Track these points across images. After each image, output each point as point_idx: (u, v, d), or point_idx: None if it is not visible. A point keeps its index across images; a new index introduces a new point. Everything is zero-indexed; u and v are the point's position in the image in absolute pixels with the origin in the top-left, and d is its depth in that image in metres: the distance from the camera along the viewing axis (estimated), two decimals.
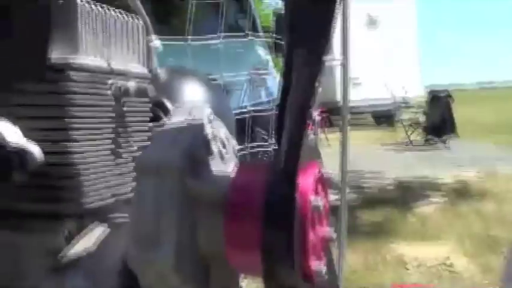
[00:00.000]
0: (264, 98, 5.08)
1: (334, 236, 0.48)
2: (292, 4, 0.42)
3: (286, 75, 0.44)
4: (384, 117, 12.47)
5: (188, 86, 0.71)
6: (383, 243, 4.10)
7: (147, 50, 0.57)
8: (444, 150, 8.84)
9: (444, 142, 9.00)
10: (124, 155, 0.53)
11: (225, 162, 0.51)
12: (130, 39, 0.53)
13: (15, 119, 0.46)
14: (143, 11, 0.56)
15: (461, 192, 5.52)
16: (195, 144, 0.45)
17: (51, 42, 0.45)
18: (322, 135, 8.08)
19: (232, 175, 0.47)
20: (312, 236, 0.45)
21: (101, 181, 0.50)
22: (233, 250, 0.45)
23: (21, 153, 0.44)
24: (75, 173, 0.48)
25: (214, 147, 0.49)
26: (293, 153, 0.43)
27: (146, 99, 0.54)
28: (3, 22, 0.46)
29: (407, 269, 3.54)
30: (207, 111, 0.48)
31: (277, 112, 0.46)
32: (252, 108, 2.68)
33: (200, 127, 0.46)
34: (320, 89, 0.44)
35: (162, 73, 0.76)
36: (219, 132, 0.50)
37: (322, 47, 0.42)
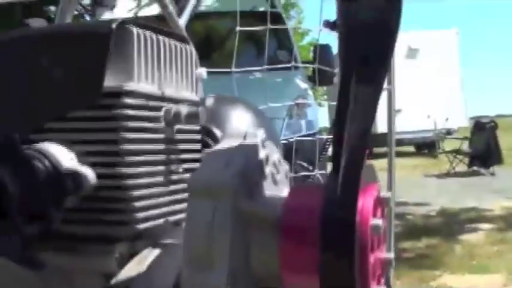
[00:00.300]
0: (304, 131, 5.07)
1: (393, 262, 0.47)
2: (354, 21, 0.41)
3: (343, 97, 0.43)
4: (425, 147, 12.30)
5: (236, 113, 0.71)
6: (429, 274, 4.00)
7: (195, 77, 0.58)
8: (489, 178, 8.60)
9: (489, 170, 8.78)
10: (175, 179, 0.53)
11: (277, 185, 0.51)
12: (182, 65, 0.54)
13: (70, 144, 0.47)
14: (189, 39, 0.57)
15: (508, 221, 5.35)
16: (248, 166, 0.45)
17: (107, 69, 0.46)
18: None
19: (286, 197, 0.46)
20: (371, 260, 0.44)
21: (152, 204, 0.50)
22: (289, 273, 0.44)
23: (75, 177, 0.45)
24: (127, 196, 0.48)
25: (268, 170, 0.49)
26: (354, 175, 0.42)
27: (197, 125, 0.54)
28: (61, 49, 0.47)
29: None
30: (261, 135, 0.47)
31: (332, 135, 0.45)
32: (294, 139, 2.68)
33: (254, 149, 0.46)
34: None
35: (209, 101, 0.76)
36: (272, 156, 0.50)
37: (385, 64, 0.42)
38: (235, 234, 0.43)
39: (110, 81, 0.47)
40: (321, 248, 0.42)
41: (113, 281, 0.49)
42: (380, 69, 0.42)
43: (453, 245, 4.75)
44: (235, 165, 0.44)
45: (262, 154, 0.48)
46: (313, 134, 4.94)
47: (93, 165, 0.47)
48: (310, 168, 4.46)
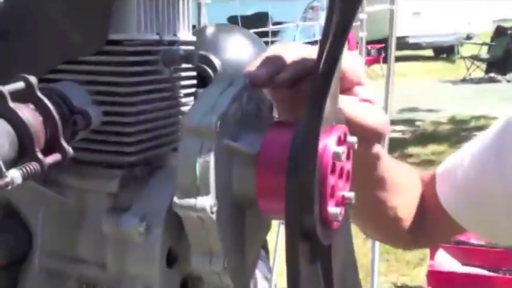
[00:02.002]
0: (318, 36, 5.03)
1: (353, 201, 0.55)
2: None
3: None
4: (444, 51, 12.08)
5: (234, 42, 0.77)
6: None
7: (197, 7, 0.64)
8: (505, 85, 8.50)
9: (506, 77, 8.68)
10: (173, 112, 0.61)
11: (260, 122, 0.58)
12: (178, 8, 0.60)
13: (80, 85, 0.55)
14: None
15: None
16: (232, 109, 0.53)
17: (111, 19, 0.52)
18: (377, 67, 7.98)
19: (265, 133, 0.54)
20: (331, 181, 0.52)
21: (151, 136, 0.58)
22: (263, 199, 0.53)
23: (85, 115, 0.53)
24: (129, 130, 0.56)
25: (250, 109, 0.56)
26: (318, 106, 0.48)
27: (192, 64, 0.61)
28: (73, 2, 0.54)
29: None
30: (246, 79, 0.55)
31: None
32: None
33: (239, 93, 0.53)
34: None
35: (208, 30, 0.82)
36: (258, 96, 0.57)
37: None
38: (218, 168, 0.52)
39: (113, 31, 0.54)
40: (286, 174, 0.50)
41: (117, 201, 0.58)
42: None
43: None
44: (220, 108, 0.52)
45: (245, 97, 0.55)
46: None
47: (100, 103, 0.55)
48: None
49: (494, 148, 0.88)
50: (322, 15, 5.29)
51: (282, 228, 2.22)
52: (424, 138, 5.50)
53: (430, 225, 0.93)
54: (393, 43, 2.17)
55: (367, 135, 0.63)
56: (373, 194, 0.78)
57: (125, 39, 0.54)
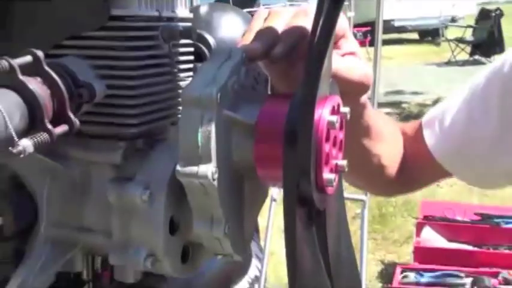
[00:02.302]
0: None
1: (346, 169, 0.58)
2: None
3: None
4: (429, 34, 12.13)
5: (227, 21, 0.79)
6: None
7: None
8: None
9: (490, 59, 8.76)
10: (171, 88, 0.63)
11: (256, 94, 0.61)
12: None
13: (84, 59, 0.57)
14: None
15: None
16: (231, 81, 0.55)
17: None
18: (363, 51, 8.03)
19: (263, 105, 0.57)
20: (326, 148, 0.55)
21: (152, 109, 0.61)
22: (261, 167, 0.56)
23: (90, 88, 0.55)
24: (131, 103, 0.58)
25: (247, 82, 0.59)
26: (314, 77, 0.51)
27: (190, 40, 0.63)
28: None
29: (439, 186, 3.66)
30: (242, 53, 0.57)
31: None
32: None
33: (236, 66, 0.56)
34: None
35: (203, 9, 0.84)
36: (254, 70, 0.60)
37: None
38: (219, 136, 0.54)
39: (116, 6, 0.56)
40: (283, 142, 0.53)
41: (121, 171, 0.60)
42: None
43: None
44: (219, 80, 0.54)
45: (243, 70, 0.58)
46: None
47: (103, 77, 0.57)
48: None
49: (481, 94, 0.92)
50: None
51: (273, 208, 2.26)
52: (410, 120, 5.56)
53: (415, 172, 0.97)
54: (380, 26, 2.20)
55: (353, 88, 0.66)
56: (358, 142, 0.81)
57: (127, 15, 0.56)
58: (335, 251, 0.62)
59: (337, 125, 0.56)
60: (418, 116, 5.69)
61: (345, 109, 0.59)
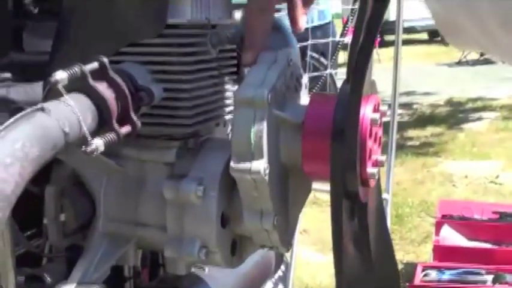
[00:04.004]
0: (316, 21, 5.06)
1: (384, 162, 0.62)
2: None
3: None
4: (439, 34, 12.10)
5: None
6: (432, 160, 4.22)
7: None
8: (500, 66, 8.53)
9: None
10: (218, 91, 0.68)
11: (300, 95, 0.65)
12: None
13: (142, 65, 0.61)
14: None
15: None
16: (278, 82, 0.59)
17: (168, 6, 0.59)
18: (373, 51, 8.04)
19: (308, 104, 0.61)
20: (369, 144, 0.59)
21: (203, 110, 0.65)
22: (308, 161, 0.60)
23: (149, 92, 0.59)
24: (185, 105, 0.63)
25: (292, 84, 0.63)
26: (359, 83, 0.55)
27: (234, 45, 0.67)
28: None
29: (455, 185, 3.69)
30: (289, 55, 0.61)
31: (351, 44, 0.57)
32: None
33: (283, 69, 0.60)
34: None
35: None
36: (295, 72, 0.64)
37: None
38: (269, 134, 0.58)
39: (170, 15, 0.60)
40: (331, 140, 0.57)
41: (175, 169, 0.65)
42: None
43: (457, 133, 4.95)
44: (269, 82, 0.58)
45: (288, 73, 0.62)
46: (326, 24, 4.97)
47: (160, 81, 0.61)
48: (321, 59, 4.55)
49: None
50: (320, 1, 5.30)
51: None
52: (422, 120, 5.57)
53: None
54: (400, 27, 2.22)
55: None
56: None
57: (181, 23, 0.61)
58: (375, 242, 0.66)
59: (379, 122, 0.60)
60: (430, 117, 5.71)
61: (383, 107, 0.63)
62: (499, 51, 0.58)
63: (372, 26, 0.56)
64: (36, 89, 0.76)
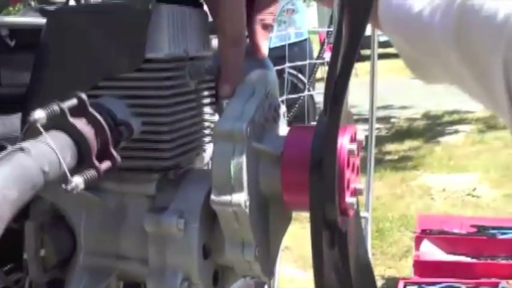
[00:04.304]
0: (293, 38, 5.09)
1: (363, 192, 0.63)
2: None
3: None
4: None
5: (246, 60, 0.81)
6: (410, 174, 4.26)
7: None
8: None
9: None
10: (198, 122, 0.68)
11: (278, 125, 0.66)
12: (199, 27, 0.67)
13: (121, 99, 0.61)
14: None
15: (488, 123, 5.59)
16: (257, 115, 0.60)
17: (146, 39, 0.59)
18: None
19: (286, 135, 0.62)
20: (347, 175, 0.60)
21: (183, 142, 0.65)
22: (288, 194, 0.61)
23: (128, 126, 0.59)
24: (165, 138, 0.63)
25: (270, 115, 0.64)
26: (336, 115, 0.56)
27: (212, 76, 0.68)
28: (110, 24, 0.61)
29: (433, 199, 3.73)
30: (267, 87, 0.62)
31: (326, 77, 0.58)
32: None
33: (261, 101, 0.61)
34: None
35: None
36: (273, 103, 0.65)
37: None
38: (248, 166, 0.59)
39: (148, 49, 0.61)
40: (309, 171, 0.57)
41: (155, 202, 0.65)
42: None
43: (434, 147, 5.02)
44: (248, 115, 0.59)
45: (266, 104, 0.63)
46: (302, 41, 5.01)
47: (139, 115, 0.62)
48: (299, 75, 4.57)
49: None
50: (297, 19, 5.35)
51: None
52: (400, 134, 5.63)
53: None
54: (375, 41, 2.26)
55: None
56: None
57: (158, 58, 0.61)
58: (356, 269, 0.66)
59: (356, 153, 0.61)
60: (407, 130, 5.78)
61: (360, 137, 0.64)
62: (468, 92, 0.60)
63: (348, 57, 0.57)
64: (14, 120, 0.76)
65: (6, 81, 0.76)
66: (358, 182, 0.65)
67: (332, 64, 0.57)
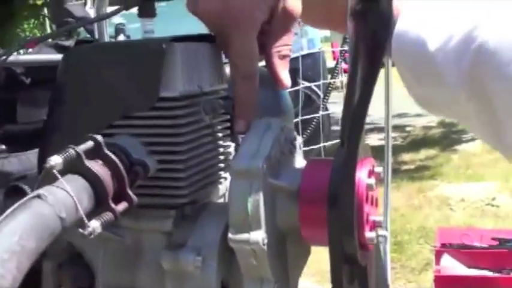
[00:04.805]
0: (306, 49, 5.08)
1: (382, 224, 0.62)
2: None
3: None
4: None
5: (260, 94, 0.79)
6: (427, 184, 4.22)
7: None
8: None
9: None
10: (213, 156, 0.68)
11: (295, 159, 0.66)
12: (213, 63, 0.67)
13: (136, 137, 0.61)
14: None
15: None
16: (273, 151, 0.60)
17: (161, 78, 0.59)
18: None
19: (303, 170, 0.61)
20: (366, 209, 0.59)
21: (199, 178, 0.65)
22: (306, 229, 0.60)
23: (144, 165, 0.59)
24: (181, 175, 0.63)
25: (287, 149, 0.63)
26: (353, 149, 0.55)
27: (227, 112, 0.68)
28: (125, 64, 0.61)
29: (452, 209, 3.68)
30: (282, 120, 0.62)
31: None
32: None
33: (277, 136, 0.60)
34: None
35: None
36: (289, 136, 0.64)
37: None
38: (265, 202, 0.58)
39: (162, 88, 0.61)
40: (328, 205, 0.57)
41: (172, 238, 0.64)
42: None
43: (451, 155, 4.97)
44: (264, 152, 0.59)
45: (282, 138, 0.62)
46: (315, 52, 4.99)
47: (155, 153, 0.61)
48: (313, 86, 4.56)
49: None
50: (308, 29, 5.34)
51: None
52: (416, 143, 5.58)
53: None
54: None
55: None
56: None
57: (173, 96, 0.61)
58: None
59: (375, 187, 0.60)
60: (423, 139, 5.73)
61: (378, 169, 0.63)
62: (472, 129, 0.62)
63: (365, 91, 0.56)
64: (30, 157, 0.77)
65: (22, 118, 0.77)
66: (376, 214, 0.64)
67: (349, 95, 0.57)
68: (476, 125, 0.58)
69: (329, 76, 2.71)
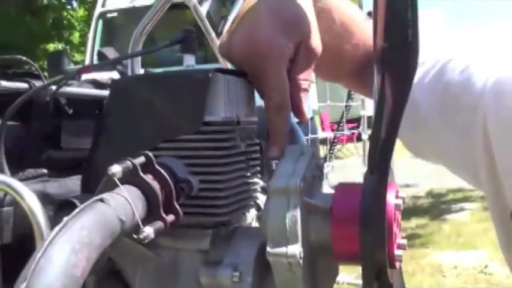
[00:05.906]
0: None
1: (406, 247, 0.66)
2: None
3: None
4: None
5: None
6: (419, 252, 4.24)
7: None
8: None
9: None
10: (249, 180, 0.73)
11: (322, 183, 0.71)
12: (247, 95, 0.73)
13: (180, 158, 0.66)
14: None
15: None
16: (306, 173, 0.65)
17: (205, 105, 0.65)
18: (351, 146, 8.26)
19: (335, 191, 0.66)
20: (394, 230, 0.64)
21: (235, 200, 0.70)
22: (338, 245, 0.64)
23: (188, 183, 0.64)
24: (219, 195, 0.67)
25: (316, 173, 0.68)
26: (384, 175, 0.60)
27: (258, 140, 0.73)
28: (172, 91, 0.66)
29: (445, 276, 3.69)
30: (312, 148, 0.67)
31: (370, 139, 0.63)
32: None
33: (310, 160, 0.65)
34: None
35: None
36: (318, 162, 0.70)
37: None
38: (301, 220, 0.63)
39: (206, 113, 0.66)
40: (360, 226, 0.61)
41: (209, 256, 0.68)
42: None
43: (441, 225, 5.01)
44: (300, 172, 0.64)
45: (313, 163, 0.67)
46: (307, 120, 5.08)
47: (195, 174, 0.66)
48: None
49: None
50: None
51: None
52: (407, 212, 5.63)
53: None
54: None
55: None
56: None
57: (215, 121, 0.67)
58: None
59: (401, 207, 0.65)
60: (414, 208, 5.79)
61: (402, 194, 0.68)
62: (450, 164, 0.67)
63: (393, 123, 0.61)
64: (68, 183, 0.81)
65: (66, 145, 0.81)
66: (401, 237, 0.69)
67: (376, 126, 0.62)
68: (455, 156, 0.59)
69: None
